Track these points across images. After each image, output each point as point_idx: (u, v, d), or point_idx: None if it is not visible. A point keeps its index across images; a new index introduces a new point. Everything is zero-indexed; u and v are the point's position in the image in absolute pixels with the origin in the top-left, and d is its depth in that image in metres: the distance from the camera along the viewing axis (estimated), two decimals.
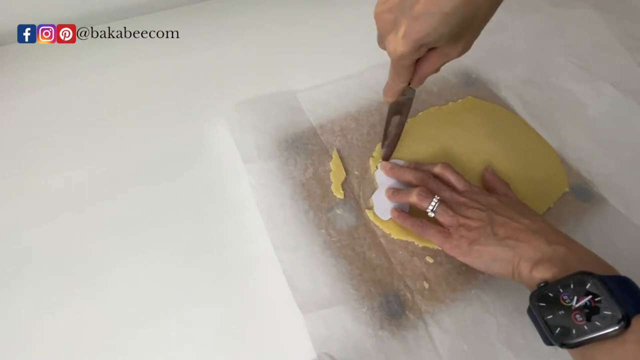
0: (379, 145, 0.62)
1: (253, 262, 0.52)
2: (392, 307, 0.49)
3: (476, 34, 0.43)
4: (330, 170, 0.59)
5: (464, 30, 0.41)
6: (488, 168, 0.59)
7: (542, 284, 0.41)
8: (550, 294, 0.40)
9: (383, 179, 0.58)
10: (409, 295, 0.50)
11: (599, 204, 0.60)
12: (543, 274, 0.41)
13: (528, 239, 0.44)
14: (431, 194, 0.51)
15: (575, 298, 0.38)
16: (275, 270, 0.50)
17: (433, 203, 0.50)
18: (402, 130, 0.59)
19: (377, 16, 0.43)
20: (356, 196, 0.57)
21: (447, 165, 0.55)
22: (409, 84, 0.49)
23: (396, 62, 0.44)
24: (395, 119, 0.57)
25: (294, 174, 0.58)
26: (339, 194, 0.56)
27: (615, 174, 0.62)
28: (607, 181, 0.62)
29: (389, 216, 0.55)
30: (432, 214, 0.51)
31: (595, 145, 0.66)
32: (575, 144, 0.66)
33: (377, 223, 0.55)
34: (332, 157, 0.60)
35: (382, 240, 0.54)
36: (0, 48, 0.68)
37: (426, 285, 0.51)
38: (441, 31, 0.39)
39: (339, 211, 0.55)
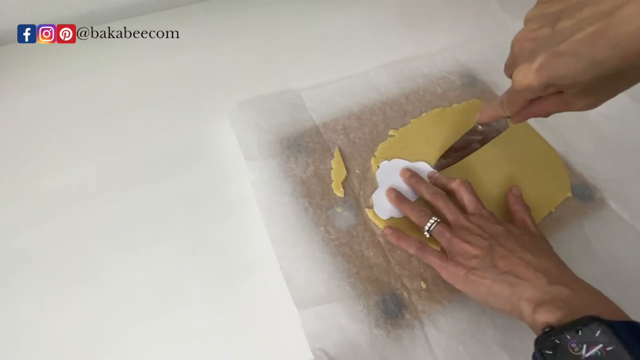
0: (381, 145, 0.65)
1: (253, 261, 0.54)
2: (388, 306, 0.52)
3: (614, 94, 0.42)
4: (331, 169, 0.61)
5: (604, 85, 0.40)
6: (514, 188, 0.60)
7: (547, 329, 0.41)
8: (557, 341, 0.39)
9: (384, 178, 0.61)
10: (405, 294, 0.53)
11: (603, 210, 0.62)
12: (547, 317, 0.41)
13: (528, 277, 0.45)
14: (429, 214, 0.54)
15: (585, 347, 0.37)
16: (274, 268, 0.53)
17: (429, 224, 0.53)
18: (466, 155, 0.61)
19: (518, 41, 0.43)
20: (356, 195, 0.60)
21: (465, 183, 0.57)
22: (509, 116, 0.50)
23: (516, 93, 0.45)
24: (470, 140, 0.60)
25: (295, 172, 0.61)
26: (339, 192, 0.59)
27: (620, 180, 0.64)
28: (612, 187, 0.64)
29: (389, 215, 0.58)
30: (427, 234, 0.54)
31: (600, 150, 0.68)
32: (581, 149, 0.68)
33: (377, 222, 0.58)
34: (333, 156, 0.62)
35: (381, 240, 0.57)
36: (0, 48, 0.71)
37: (423, 285, 0.53)
38: (580, 78, 0.38)
39: (338, 209, 0.58)
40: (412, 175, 0.60)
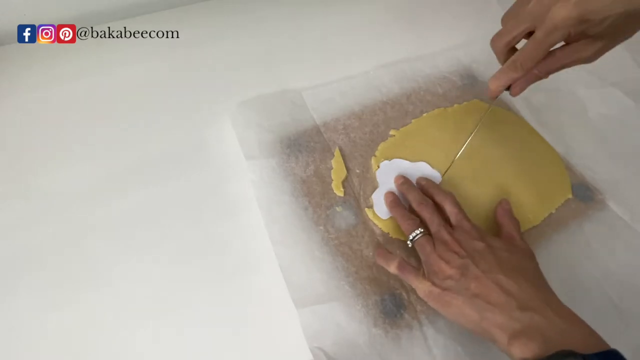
0: (381, 145, 0.65)
1: (252, 260, 0.55)
2: (387, 305, 0.52)
3: (612, 44, 0.46)
4: (332, 168, 0.62)
5: (623, 25, 0.44)
6: (504, 201, 0.59)
7: None
8: None
9: (384, 178, 0.62)
10: (404, 294, 0.53)
11: (603, 211, 0.62)
12: (522, 351, 0.41)
13: (499, 302, 0.44)
14: (417, 225, 0.54)
15: None
16: (274, 267, 0.53)
17: (413, 234, 0.53)
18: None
19: None
20: (356, 194, 0.60)
21: (448, 196, 0.57)
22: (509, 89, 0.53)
23: (547, 33, 0.44)
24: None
25: (295, 171, 0.61)
26: (339, 192, 0.60)
27: (620, 181, 0.65)
28: (612, 188, 0.64)
29: (389, 215, 0.58)
30: (410, 244, 0.54)
31: (601, 151, 0.68)
32: (581, 150, 0.68)
33: (376, 222, 0.58)
34: (334, 155, 0.63)
35: (380, 239, 0.57)
36: (0, 48, 0.71)
37: None
38: (612, 11, 0.41)
39: (338, 209, 0.59)
40: (404, 182, 0.60)
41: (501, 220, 0.57)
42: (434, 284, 0.49)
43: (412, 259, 0.55)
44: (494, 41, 0.51)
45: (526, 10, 0.46)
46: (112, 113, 0.66)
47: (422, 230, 0.53)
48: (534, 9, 0.45)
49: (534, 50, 0.46)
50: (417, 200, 0.57)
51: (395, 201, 0.59)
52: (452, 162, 0.61)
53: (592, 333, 0.42)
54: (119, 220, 0.57)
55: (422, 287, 0.50)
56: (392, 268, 0.52)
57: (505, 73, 0.51)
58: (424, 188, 0.60)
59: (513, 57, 0.49)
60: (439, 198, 0.57)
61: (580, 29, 0.44)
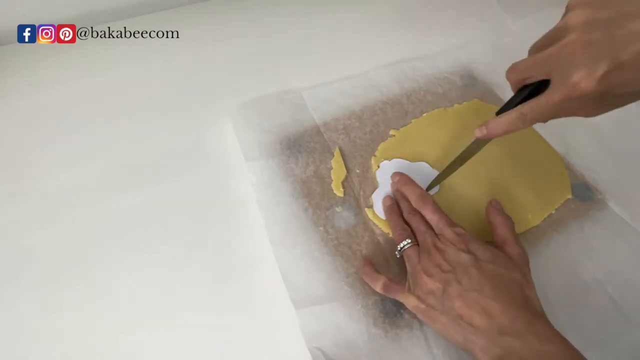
0: (381, 145, 0.65)
1: (252, 261, 0.55)
2: (387, 305, 0.52)
3: (619, 106, 0.43)
4: (332, 168, 0.62)
5: (633, 97, 0.41)
6: (494, 201, 0.57)
7: None
8: None
9: (384, 178, 0.62)
10: None
11: (603, 211, 0.62)
12: None
13: (481, 325, 0.44)
14: (407, 235, 0.53)
15: None
16: (273, 269, 0.53)
17: (401, 245, 0.53)
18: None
19: (571, 43, 0.40)
20: (356, 194, 0.61)
21: (427, 203, 0.55)
22: None
23: (564, 99, 0.42)
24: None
25: (295, 172, 0.61)
26: (339, 192, 0.60)
27: (620, 181, 0.65)
28: (613, 188, 0.64)
29: None
30: (397, 255, 0.54)
31: (601, 151, 0.68)
32: (582, 150, 0.68)
33: (376, 222, 0.58)
34: (333, 155, 0.63)
35: (380, 239, 0.57)
36: (0, 48, 0.72)
37: None
38: (637, 87, 0.39)
39: (338, 209, 0.59)
40: (398, 189, 0.59)
41: (493, 219, 0.55)
42: (419, 298, 0.49)
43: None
44: (509, 73, 0.48)
45: (543, 59, 0.43)
46: (111, 113, 0.67)
47: (410, 240, 0.53)
48: (551, 61, 0.42)
49: (547, 110, 0.44)
50: (408, 209, 0.56)
51: (391, 207, 0.58)
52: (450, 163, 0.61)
53: (574, 353, 0.42)
54: (118, 220, 0.57)
55: (408, 302, 0.50)
56: (378, 289, 0.52)
57: (511, 124, 0.47)
58: (398, 187, 0.59)
59: (523, 110, 0.45)
60: (417, 205, 0.56)
61: (604, 99, 0.41)
